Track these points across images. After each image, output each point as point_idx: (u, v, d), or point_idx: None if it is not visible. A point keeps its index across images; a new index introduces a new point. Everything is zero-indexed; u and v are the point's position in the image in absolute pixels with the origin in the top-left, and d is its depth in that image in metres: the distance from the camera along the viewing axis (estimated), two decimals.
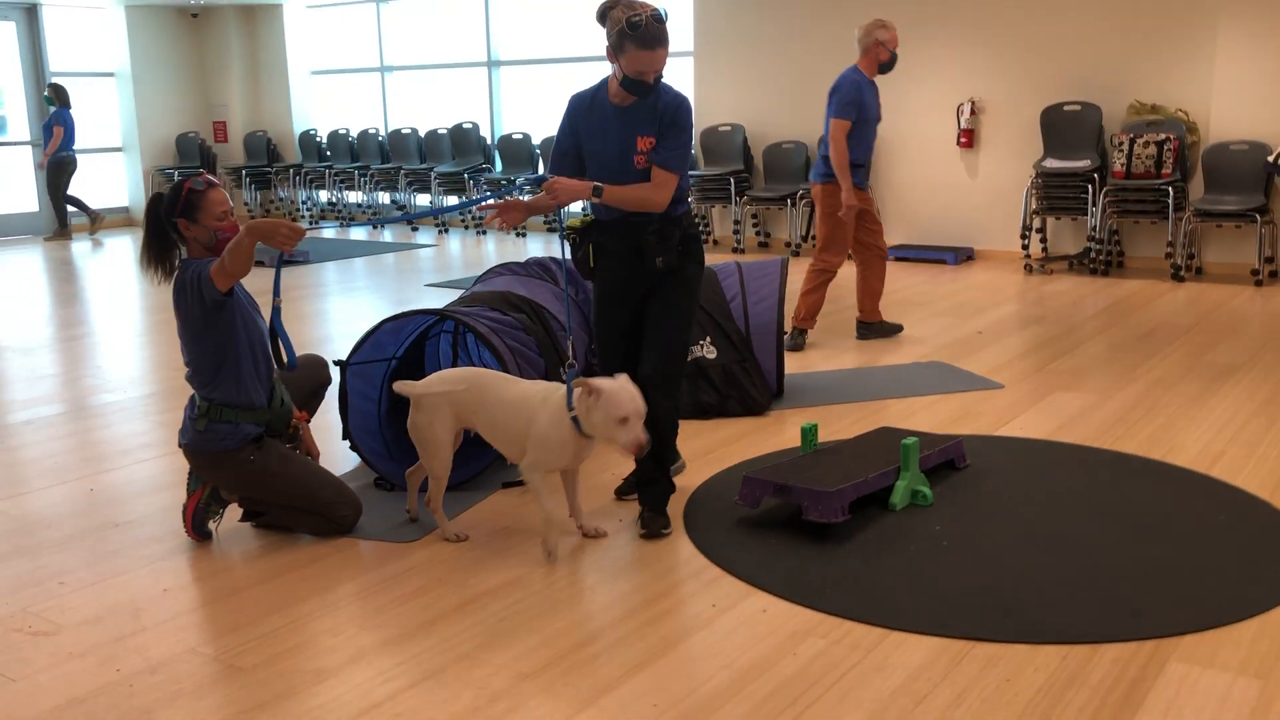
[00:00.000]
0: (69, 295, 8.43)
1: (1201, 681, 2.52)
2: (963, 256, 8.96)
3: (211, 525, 3.52)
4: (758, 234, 10.07)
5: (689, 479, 3.94)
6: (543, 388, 3.33)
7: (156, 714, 2.49)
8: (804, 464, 3.65)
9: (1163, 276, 7.98)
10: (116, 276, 9.28)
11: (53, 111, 11.58)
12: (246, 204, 13.29)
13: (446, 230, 11.86)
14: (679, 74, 10.71)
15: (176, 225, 3.35)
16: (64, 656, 2.77)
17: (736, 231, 9.88)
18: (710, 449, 4.30)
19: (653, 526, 3.42)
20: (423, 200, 12.34)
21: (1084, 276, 8.11)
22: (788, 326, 6.07)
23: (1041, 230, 8.66)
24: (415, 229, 12.12)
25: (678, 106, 3.34)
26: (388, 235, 11.68)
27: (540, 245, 10.37)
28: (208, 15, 13.44)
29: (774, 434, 4.46)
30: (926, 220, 9.30)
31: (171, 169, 13.09)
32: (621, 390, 3.09)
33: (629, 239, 3.39)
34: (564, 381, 3.24)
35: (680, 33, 10.63)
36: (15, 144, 12.52)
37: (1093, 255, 8.19)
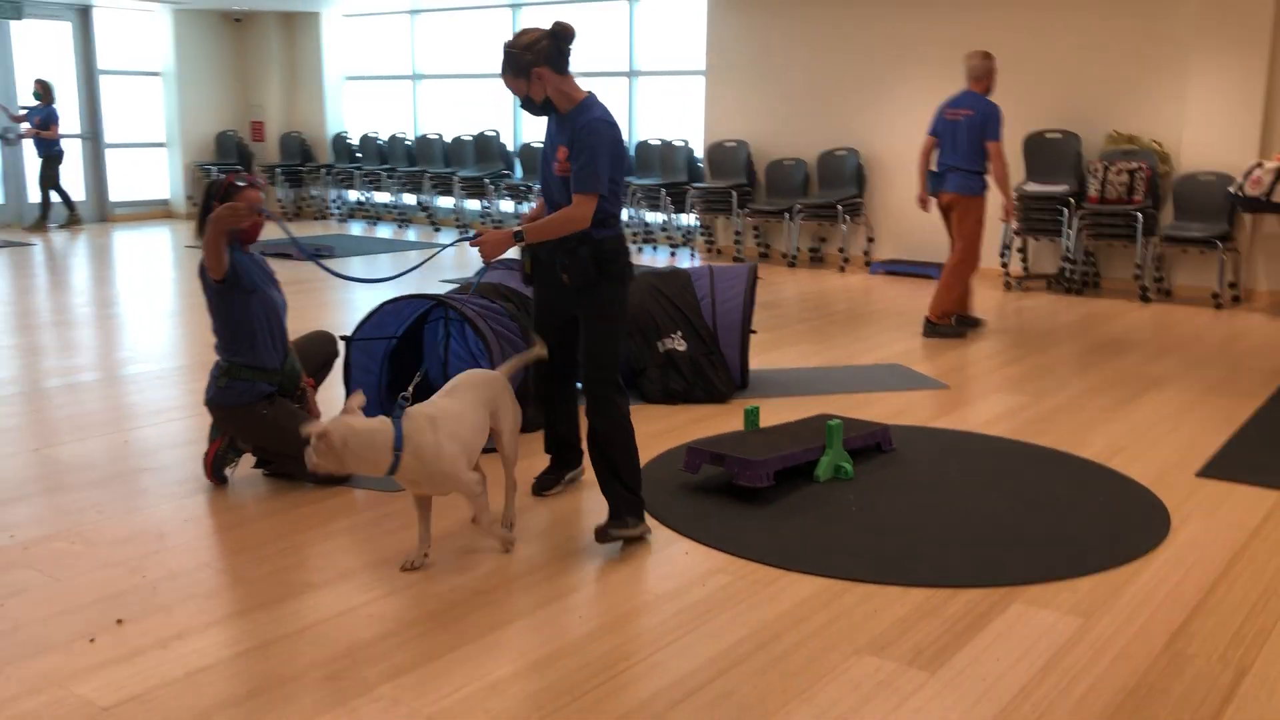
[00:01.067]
0: (103, 278, 9.07)
1: (1035, 618, 3.04)
2: None
3: (228, 471, 4.10)
4: (758, 244, 10.60)
5: (647, 450, 4.48)
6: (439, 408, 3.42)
7: (175, 609, 3.05)
8: (741, 439, 4.18)
9: (1132, 297, 8.44)
10: (153, 261, 9.92)
11: (43, 107, 12.10)
12: (279, 200, 13.95)
13: (468, 230, 12.46)
14: (692, 92, 11.28)
15: (213, 206, 3.94)
16: (99, 565, 3.34)
17: (738, 242, 10.42)
18: (673, 429, 4.83)
19: (602, 531, 3.45)
20: (445, 202, 12.95)
21: (1059, 295, 8.59)
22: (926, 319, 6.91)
23: (1023, 250, 9.14)
24: (438, 229, 12.73)
25: (585, 125, 3.38)
26: (411, 234, 12.28)
27: None
28: (250, 20, 14.14)
29: (732, 419, 4.99)
30: (917, 237, 9.80)
31: (210, 165, 13.77)
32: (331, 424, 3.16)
33: (549, 254, 3.54)
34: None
35: (693, 54, 11.21)
36: (66, 137, 13.20)
37: (1067, 275, 8.67)
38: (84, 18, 13.13)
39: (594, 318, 3.51)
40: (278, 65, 14.16)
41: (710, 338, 5.37)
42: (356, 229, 12.82)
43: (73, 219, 12.65)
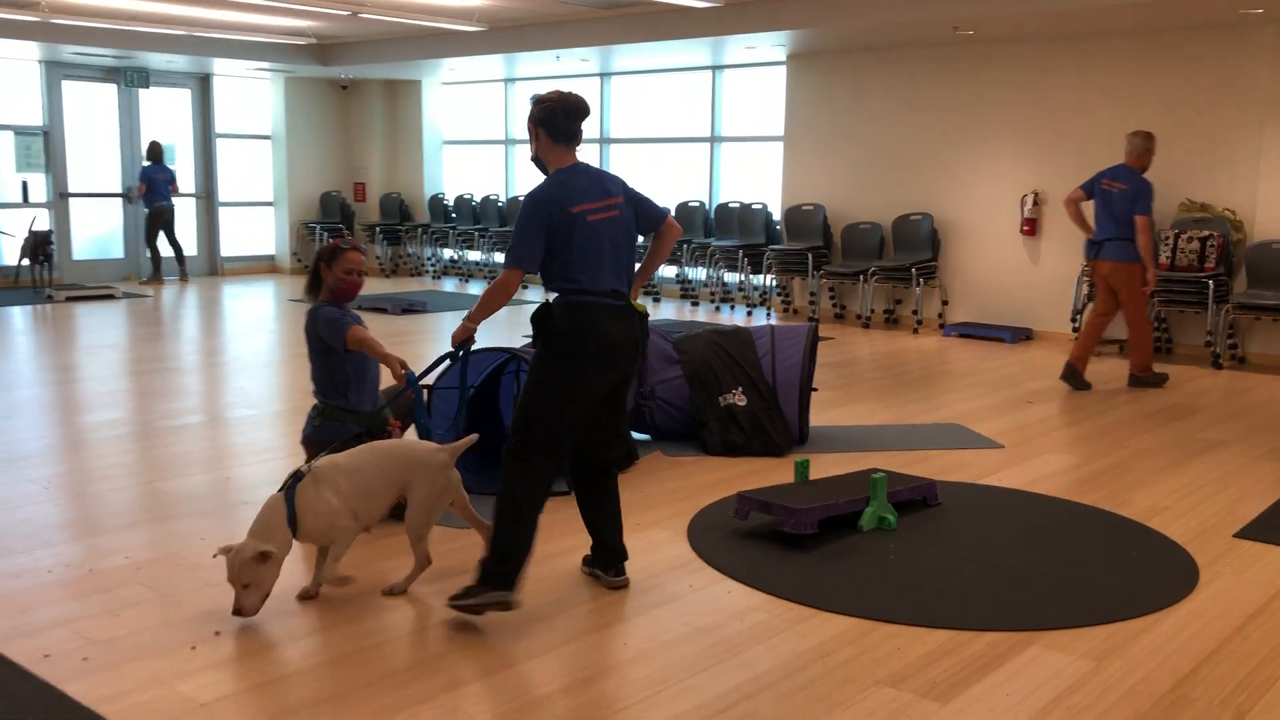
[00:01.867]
0: (211, 328, 9.70)
1: (1049, 660, 3.24)
2: (1020, 336, 9.57)
3: None
4: (834, 305, 10.85)
5: (702, 498, 4.76)
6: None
7: (265, 624, 3.42)
8: (790, 490, 4.45)
9: (1204, 363, 8.48)
10: (258, 313, 10.56)
11: (152, 166, 12.98)
12: (378, 258, 14.64)
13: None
14: (771, 157, 11.66)
15: (320, 269, 4.41)
16: (201, 584, 3.74)
17: (813, 302, 10.68)
18: (730, 479, 5.11)
19: (458, 596, 3.39)
20: None
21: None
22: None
23: None
24: (526, 286, 13.23)
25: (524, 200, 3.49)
26: None
27: None
28: (355, 88, 14.97)
29: (786, 471, 5.23)
30: (990, 301, 9.96)
31: (315, 223, 14.54)
32: (227, 557, 3.35)
33: None
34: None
35: (773, 120, 11.59)
36: (185, 196, 14.08)
37: None
38: (204, 85, 14.06)
39: (528, 380, 3.49)
40: (380, 130, 14.93)
41: (770, 394, 5.65)
42: (449, 285, 13.40)
43: (156, 277, 13.30)
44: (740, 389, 5.65)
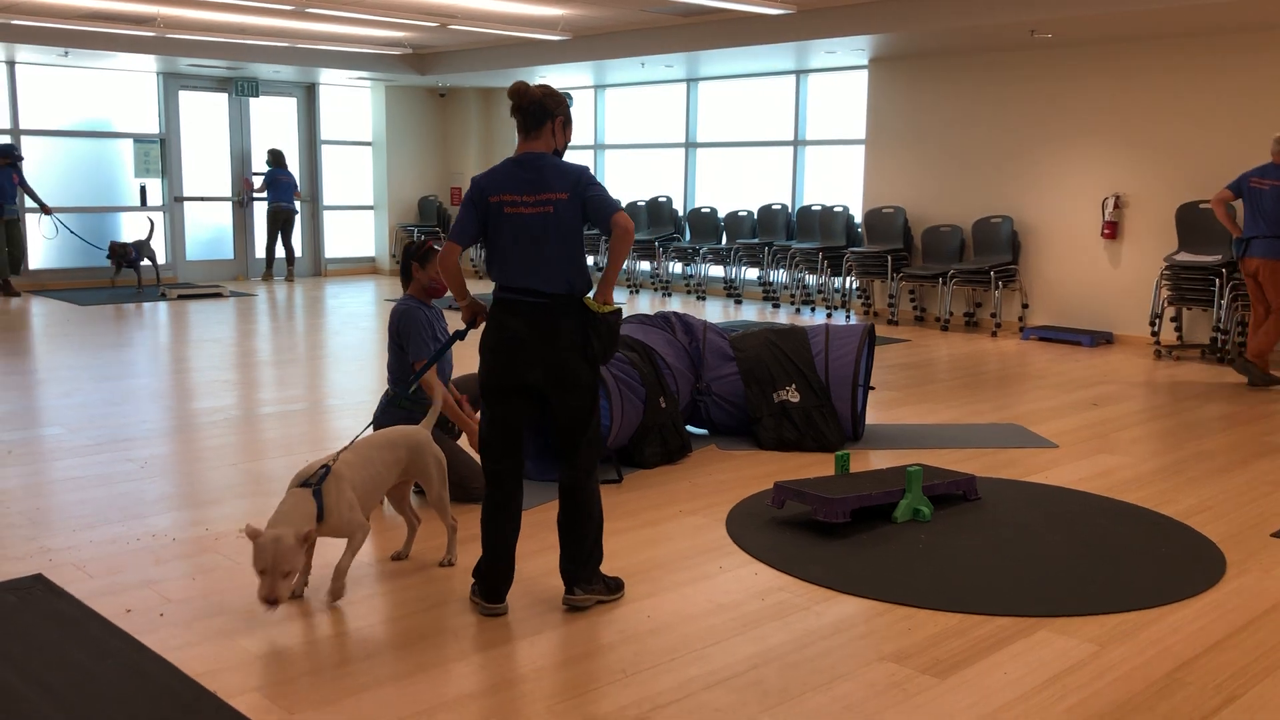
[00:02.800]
0: (313, 325, 10.21)
1: (1054, 643, 3.36)
2: (1100, 339, 9.50)
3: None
4: (914, 308, 10.89)
5: (748, 489, 4.96)
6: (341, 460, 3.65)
7: (321, 592, 3.73)
8: (827, 481, 4.62)
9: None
10: (359, 311, 11.06)
11: (273, 170, 13.74)
12: (472, 260, 15.10)
13: (638, 291, 13.21)
14: (852, 160, 11.74)
15: (411, 266, 4.73)
16: None
17: (892, 305, 10.74)
18: (781, 472, 5.29)
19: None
20: None
21: (1211, 365, 8.55)
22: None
23: (1176, 319, 9.13)
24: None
25: None
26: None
27: (678, 302, 11.54)
28: (453, 95, 15.47)
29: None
30: (1070, 304, 9.90)
31: (413, 226, 15.07)
32: (267, 543, 3.25)
33: None
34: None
35: (855, 124, 11.68)
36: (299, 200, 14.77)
37: (1219, 345, 8.62)
38: (309, 94, 14.70)
39: None
40: (476, 136, 15.40)
41: (823, 391, 5.81)
42: None
43: (269, 275, 14.10)
44: (794, 385, 5.82)
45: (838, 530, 4.37)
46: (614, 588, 3.69)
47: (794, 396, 5.80)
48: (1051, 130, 9.89)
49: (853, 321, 10.84)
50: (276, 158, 13.82)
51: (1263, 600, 3.72)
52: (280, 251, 14.11)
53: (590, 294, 3.49)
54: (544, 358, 3.43)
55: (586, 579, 3.59)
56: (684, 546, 4.22)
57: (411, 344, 4.65)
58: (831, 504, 4.31)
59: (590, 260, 14.10)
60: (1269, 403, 7.09)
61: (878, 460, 5.54)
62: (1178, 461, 5.56)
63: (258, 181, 14.03)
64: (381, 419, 4.74)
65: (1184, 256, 8.79)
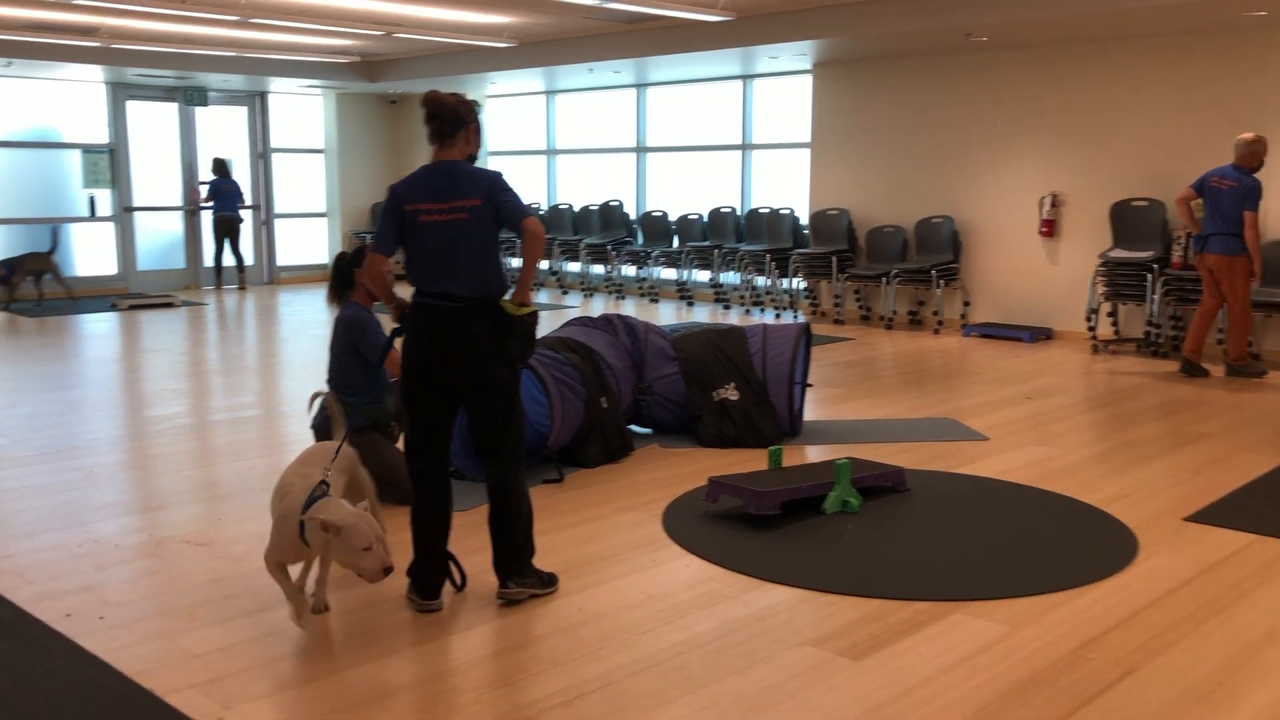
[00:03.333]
0: (264, 333, 10.23)
1: (967, 625, 3.51)
2: (1040, 335, 9.72)
3: None
4: (860, 307, 11.08)
5: (687, 485, 5.08)
6: (294, 477, 3.48)
7: (263, 590, 3.81)
8: (760, 475, 4.75)
9: (1216, 361, 8.58)
10: (309, 319, 11.08)
11: (217, 180, 13.70)
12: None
13: (591, 294, 13.32)
14: (800, 164, 11.92)
15: (354, 274, 4.80)
16: (212, 558, 4.15)
17: (837, 304, 10.92)
18: (720, 468, 5.41)
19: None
20: (573, 267, 13.88)
21: (1146, 358, 8.78)
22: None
23: (1113, 314, 9.37)
24: (565, 292, 13.63)
25: None
26: (542, 297, 13.21)
27: (631, 305, 11.68)
28: (404, 101, 15.51)
29: None
30: (1010, 301, 10.12)
31: (365, 233, 15.09)
32: (359, 522, 3.23)
33: None
34: (320, 491, 3.39)
35: (801, 128, 11.87)
36: (246, 208, 14.73)
37: (1152, 338, 8.86)
38: (260, 102, 14.69)
39: None
40: (427, 142, 15.40)
41: (760, 389, 5.94)
42: None
43: (220, 284, 14.03)
44: (733, 384, 5.96)
45: (769, 522, 4.50)
46: (547, 582, 3.79)
47: (733, 395, 5.93)
48: (990, 131, 10.12)
49: (801, 321, 11.01)
50: (220, 166, 13.78)
51: (1168, 581, 3.89)
52: (229, 260, 14.06)
53: (507, 296, 3.58)
54: (461, 360, 3.52)
55: (519, 573, 3.69)
56: (620, 542, 4.33)
57: (367, 342, 4.72)
58: (762, 497, 4.44)
59: (517, 262, 14.20)
60: (1204, 393, 7.31)
61: (814, 455, 5.68)
62: (1104, 451, 5.74)
63: (204, 191, 14.01)
64: (321, 424, 4.81)
65: (1118, 253, 9.03)
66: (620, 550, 4.23)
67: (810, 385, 6.35)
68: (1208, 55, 8.81)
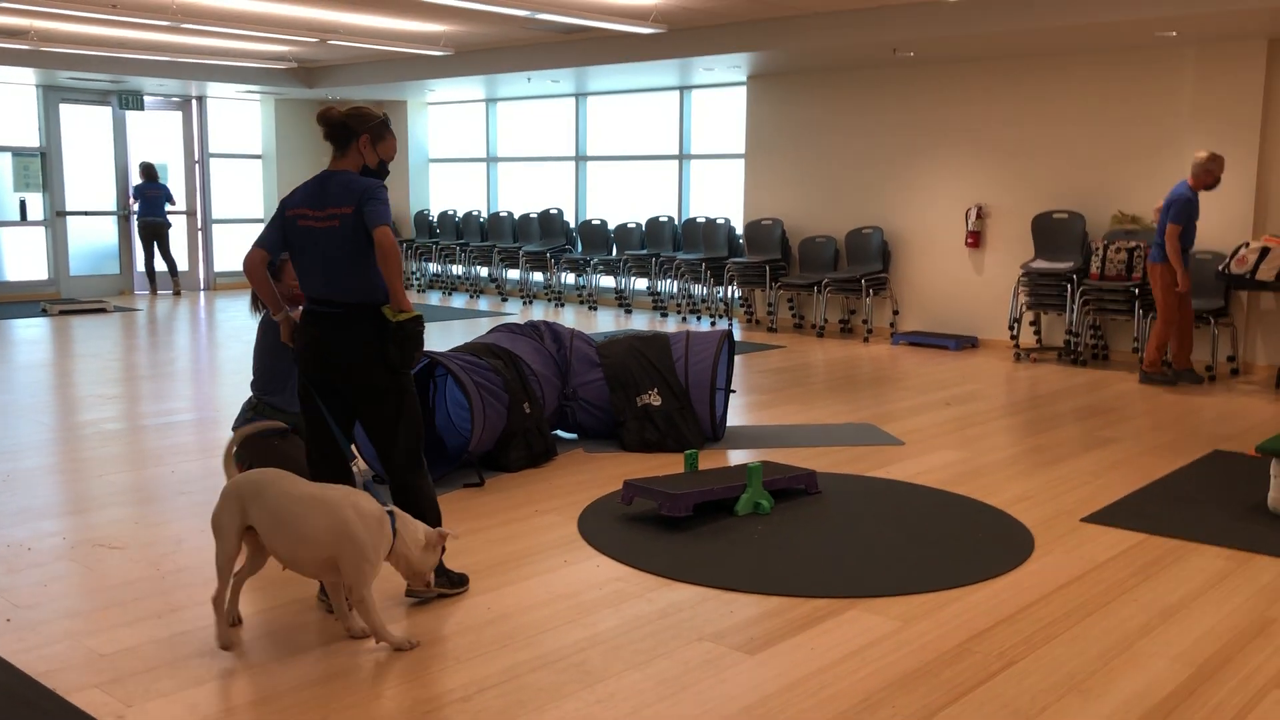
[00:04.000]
0: (195, 339, 10.18)
1: (861, 621, 3.63)
2: (965, 344, 9.95)
3: None
4: (793, 315, 11.26)
5: (606, 488, 5.17)
6: (343, 492, 3.40)
7: (174, 594, 3.84)
8: (673, 478, 4.85)
9: (1134, 369, 8.84)
10: (240, 325, 11.04)
11: (143, 184, 13.63)
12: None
13: (531, 301, 13.38)
14: (731, 175, 12.09)
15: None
16: (126, 561, 4.17)
17: (771, 313, 11.09)
18: (639, 473, 5.51)
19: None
20: (513, 274, 13.95)
21: (1066, 366, 9.03)
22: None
23: (1035, 323, 9.62)
24: (505, 299, 13.68)
25: None
26: (482, 304, 13.26)
27: (570, 312, 11.78)
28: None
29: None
30: (937, 310, 10.35)
31: None
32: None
33: None
34: (362, 485, 3.57)
35: (733, 138, 12.04)
36: (178, 213, 14.62)
37: (1072, 347, 9.11)
38: (198, 106, 14.60)
39: None
40: None
41: (683, 394, 6.06)
42: (434, 298, 13.87)
43: (154, 289, 13.96)
44: (656, 390, 6.06)
45: (682, 524, 4.61)
46: (457, 582, 3.86)
47: (656, 400, 6.04)
48: (918, 144, 10.35)
49: (735, 329, 11.17)
50: (147, 170, 13.67)
51: (1059, 577, 4.05)
52: (160, 265, 13.96)
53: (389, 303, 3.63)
54: (344, 365, 3.61)
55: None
56: (534, 543, 4.41)
57: (274, 348, 4.76)
58: (675, 499, 4.55)
59: (435, 267, 14.25)
60: (1116, 399, 7.55)
61: (735, 459, 5.80)
62: (1013, 455, 5.93)
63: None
64: (244, 425, 4.84)
65: (1039, 264, 9.28)
66: (533, 551, 4.32)
67: (733, 391, 6.47)
68: (1123, 73, 9.09)
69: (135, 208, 13.69)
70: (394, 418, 3.68)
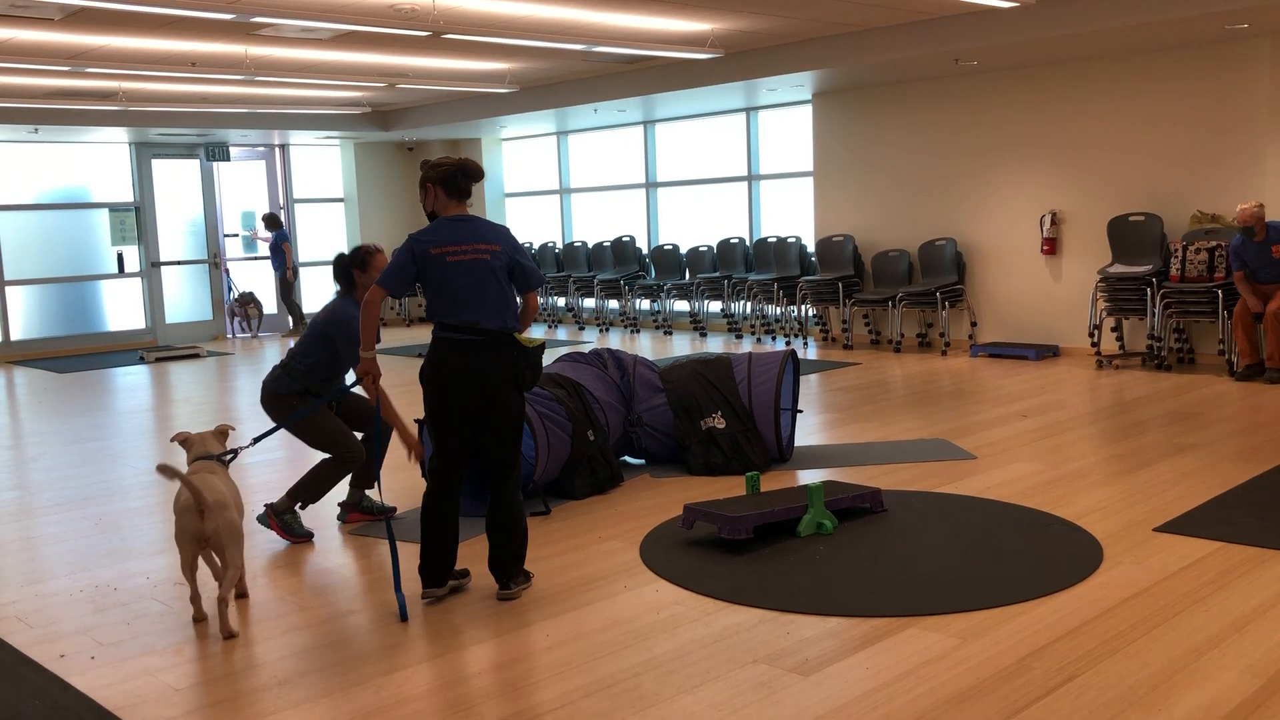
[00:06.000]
0: None
1: (919, 639, 3.60)
2: (1046, 353, 9.76)
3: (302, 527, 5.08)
4: (869, 331, 11.17)
5: (669, 514, 5.20)
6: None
7: (246, 629, 3.98)
8: (733, 501, 4.86)
9: (1221, 372, 8.58)
10: None
11: (277, 233, 14.17)
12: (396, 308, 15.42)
13: (607, 330, 13.50)
14: (801, 193, 12.07)
15: (353, 273, 5.00)
16: (205, 598, 4.32)
17: (845, 330, 11.02)
18: (706, 496, 5.53)
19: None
20: (589, 302, 14.08)
21: (1150, 371, 8.80)
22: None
23: (1117, 329, 9.40)
24: (582, 328, 13.82)
25: None
26: (562, 333, 13.41)
27: (646, 338, 11.83)
28: (420, 148, 15.86)
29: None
30: (1016, 320, 10.17)
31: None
32: None
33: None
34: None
35: (802, 157, 12.02)
36: (262, 258, 15.12)
37: (1155, 352, 8.88)
38: (282, 154, 15.09)
39: None
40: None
41: (747, 416, 6.06)
42: None
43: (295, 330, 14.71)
44: (719, 413, 6.08)
45: (742, 546, 4.61)
46: (529, 579, 4.30)
47: (720, 423, 6.06)
48: (987, 153, 10.22)
49: (812, 348, 11.12)
50: (276, 221, 14.29)
51: (1126, 590, 3.96)
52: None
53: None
54: (482, 387, 4.02)
55: (518, 575, 4.21)
56: (595, 570, 4.46)
57: (342, 342, 4.91)
58: (735, 522, 4.56)
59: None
60: (1198, 404, 7.33)
61: (802, 479, 5.78)
62: (1086, 467, 5.80)
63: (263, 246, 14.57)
64: (274, 386, 4.99)
65: (1118, 268, 9.08)
66: (595, 578, 4.36)
67: (800, 411, 6.46)
68: (1193, 69, 8.87)
69: (273, 263, 14.40)
70: (516, 436, 4.10)
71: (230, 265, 14.75)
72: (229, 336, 14.72)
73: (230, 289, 14.67)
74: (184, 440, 4.31)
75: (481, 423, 4.05)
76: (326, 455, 5.03)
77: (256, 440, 4.81)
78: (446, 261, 3.99)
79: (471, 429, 4.07)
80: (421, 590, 4.15)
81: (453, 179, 4.08)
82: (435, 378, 4.01)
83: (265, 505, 5.14)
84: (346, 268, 5.05)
